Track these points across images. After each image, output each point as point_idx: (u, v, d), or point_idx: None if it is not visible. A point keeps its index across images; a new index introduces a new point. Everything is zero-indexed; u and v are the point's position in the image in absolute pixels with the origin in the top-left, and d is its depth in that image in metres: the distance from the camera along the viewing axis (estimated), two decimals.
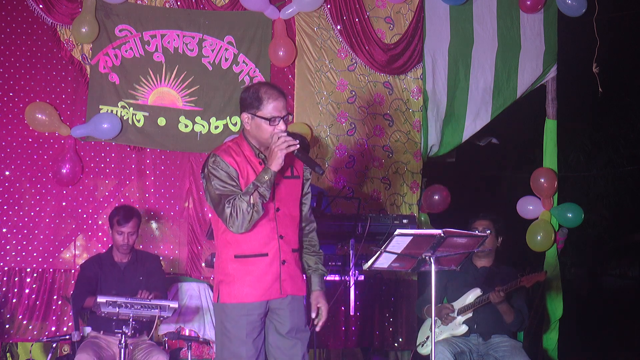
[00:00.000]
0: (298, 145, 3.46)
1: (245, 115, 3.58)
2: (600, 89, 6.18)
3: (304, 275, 3.72)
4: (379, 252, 3.51)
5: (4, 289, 5.63)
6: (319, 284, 3.74)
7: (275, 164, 3.46)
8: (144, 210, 5.92)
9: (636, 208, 10.01)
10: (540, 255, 6.36)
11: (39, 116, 5.77)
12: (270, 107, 3.52)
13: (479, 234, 3.58)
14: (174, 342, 5.49)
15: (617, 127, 9.91)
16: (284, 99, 3.58)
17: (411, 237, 3.45)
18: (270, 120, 3.52)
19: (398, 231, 3.43)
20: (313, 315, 3.70)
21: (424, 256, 3.54)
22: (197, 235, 5.98)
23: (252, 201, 3.45)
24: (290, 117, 3.63)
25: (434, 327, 3.70)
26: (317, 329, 3.71)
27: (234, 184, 3.53)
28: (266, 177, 3.46)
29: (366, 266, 3.60)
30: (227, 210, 3.47)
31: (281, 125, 3.53)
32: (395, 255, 3.53)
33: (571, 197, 6.80)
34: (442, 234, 3.43)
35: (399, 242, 3.48)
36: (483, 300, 4.95)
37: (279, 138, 3.45)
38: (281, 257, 3.59)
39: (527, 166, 6.99)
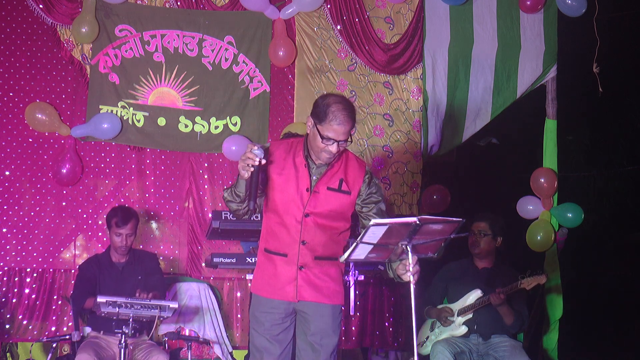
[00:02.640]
0: (252, 169, 3.39)
1: (309, 120, 3.59)
2: (600, 89, 6.18)
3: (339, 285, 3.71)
4: (355, 243, 3.45)
5: (4, 289, 5.63)
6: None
7: (240, 176, 3.48)
8: (144, 210, 5.92)
9: (636, 208, 9.99)
10: (540, 255, 6.35)
11: (39, 116, 5.77)
12: (331, 128, 3.49)
13: (454, 219, 3.52)
14: (174, 342, 5.49)
15: (617, 127, 9.90)
16: (349, 125, 3.52)
17: (387, 227, 3.41)
18: (324, 137, 3.51)
19: (373, 221, 3.40)
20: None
21: (400, 245, 3.51)
22: (197, 235, 5.98)
23: (226, 195, 3.60)
24: (349, 143, 3.57)
25: (414, 326, 3.62)
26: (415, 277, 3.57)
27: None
28: (238, 182, 3.52)
29: (342, 258, 3.55)
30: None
31: (333, 148, 3.52)
32: (371, 246, 3.49)
33: (571, 197, 6.78)
34: (418, 222, 3.39)
35: (375, 233, 3.42)
36: (483, 302, 4.95)
37: (247, 157, 3.39)
38: (299, 262, 3.61)
39: (527, 166, 6.97)
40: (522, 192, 6.58)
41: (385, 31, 6.39)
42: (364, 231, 3.43)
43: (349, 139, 3.56)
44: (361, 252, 3.51)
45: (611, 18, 8.03)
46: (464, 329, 5.02)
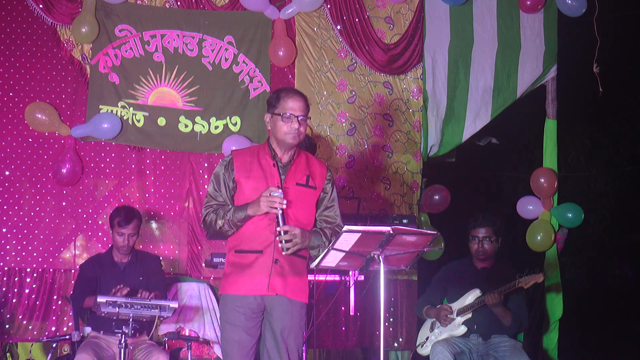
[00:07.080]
0: (280, 211, 3.55)
1: (267, 116, 3.78)
2: (600, 89, 6.18)
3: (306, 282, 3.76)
4: (327, 249, 3.42)
5: (4, 289, 5.63)
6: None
7: (252, 211, 3.61)
8: (144, 210, 5.92)
9: (636, 208, 10.01)
10: (540, 255, 6.36)
11: (39, 116, 5.77)
12: (287, 105, 3.69)
13: (428, 232, 3.49)
14: (174, 342, 5.49)
15: (617, 127, 9.91)
16: (303, 101, 3.74)
17: (359, 235, 3.37)
18: (283, 116, 3.67)
19: (346, 227, 3.38)
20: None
21: (372, 254, 3.47)
22: (197, 235, 5.98)
23: (224, 225, 3.69)
24: (308, 120, 3.76)
25: (381, 323, 3.58)
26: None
27: (222, 192, 3.75)
28: (240, 215, 3.64)
29: (313, 265, 3.53)
30: (204, 213, 3.76)
31: (294, 124, 3.68)
32: (343, 254, 3.45)
33: (571, 197, 6.80)
34: (391, 231, 3.36)
35: (347, 240, 3.39)
36: (482, 301, 4.95)
37: (273, 201, 3.54)
38: (274, 256, 3.67)
39: (527, 166, 6.98)
40: (522, 192, 6.58)
41: (385, 31, 6.39)
42: (335, 237, 3.43)
43: (308, 117, 3.75)
44: (332, 259, 3.49)
45: (611, 18, 8.03)
46: (463, 329, 5.01)
